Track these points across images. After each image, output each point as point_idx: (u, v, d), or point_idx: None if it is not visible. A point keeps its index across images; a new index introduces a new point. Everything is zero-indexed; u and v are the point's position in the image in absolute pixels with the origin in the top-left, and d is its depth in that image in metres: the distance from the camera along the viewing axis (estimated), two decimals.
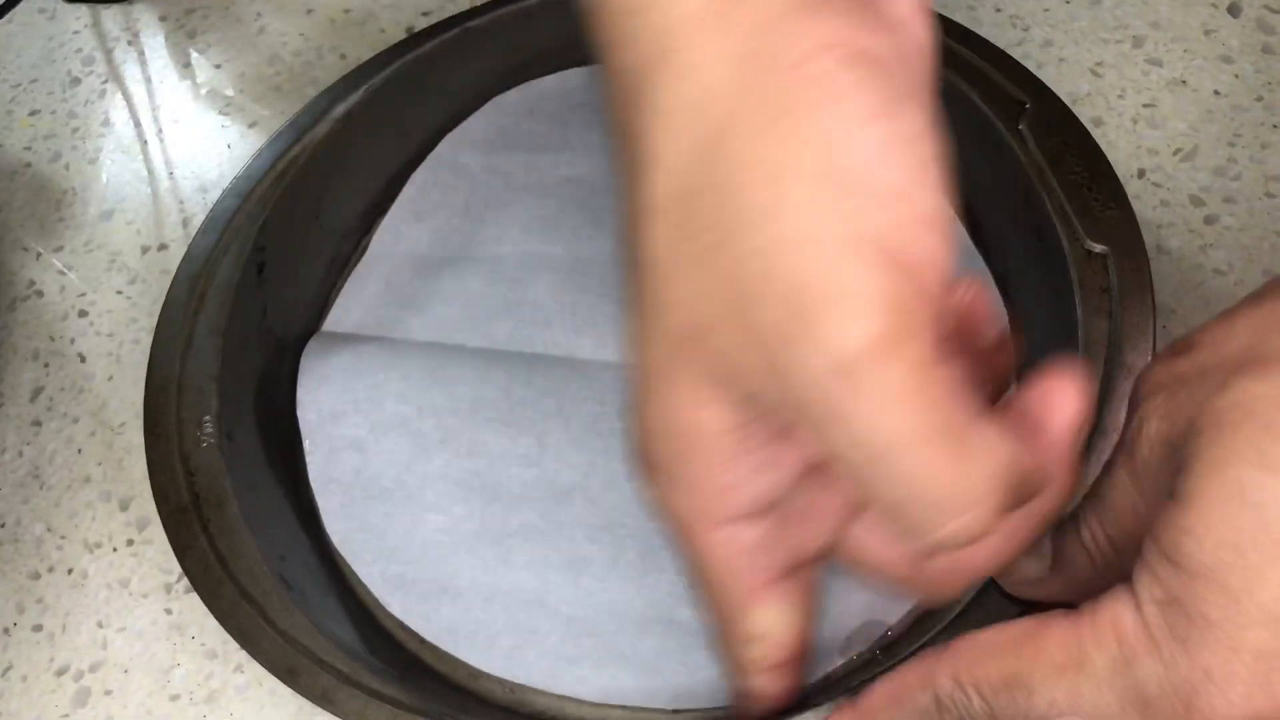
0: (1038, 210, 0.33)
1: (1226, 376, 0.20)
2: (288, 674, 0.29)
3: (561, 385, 0.35)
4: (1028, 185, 0.33)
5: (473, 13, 0.39)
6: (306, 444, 0.36)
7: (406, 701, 0.29)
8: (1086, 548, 0.24)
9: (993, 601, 0.27)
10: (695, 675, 0.30)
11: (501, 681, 0.32)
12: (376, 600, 0.33)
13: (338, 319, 0.38)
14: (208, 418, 0.33)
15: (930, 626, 0.29)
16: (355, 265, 0.40)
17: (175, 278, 0.36)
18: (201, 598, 0.31)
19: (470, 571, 0.33)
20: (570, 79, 0.41)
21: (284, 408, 0.37)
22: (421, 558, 0.33)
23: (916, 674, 0.23)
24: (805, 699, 0.27)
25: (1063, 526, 0.25)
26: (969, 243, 0.36)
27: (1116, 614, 0.21)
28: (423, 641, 0.33)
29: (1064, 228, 0.32)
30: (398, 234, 0.40)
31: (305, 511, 0.35)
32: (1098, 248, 0.31)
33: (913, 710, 0.23)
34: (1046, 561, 0.25)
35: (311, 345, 0.37)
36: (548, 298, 0.37)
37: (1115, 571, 0.23)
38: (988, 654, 0.22)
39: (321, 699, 0.29)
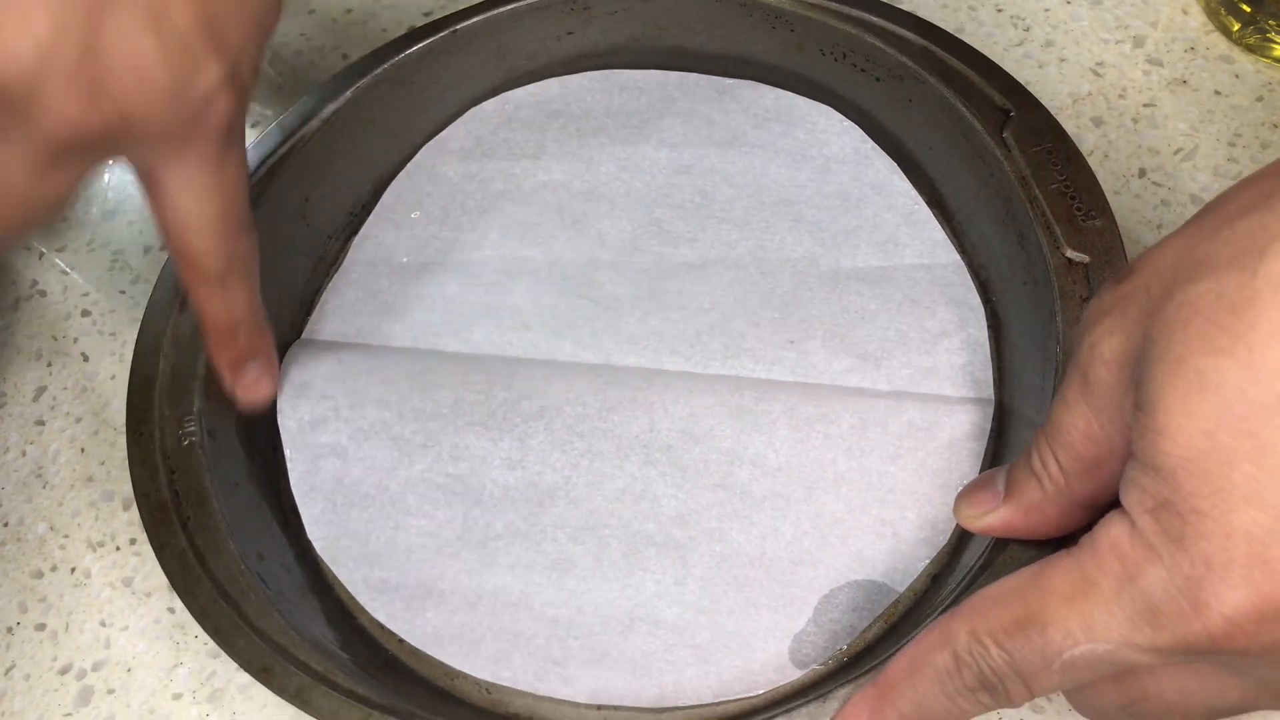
0: (1020, 218, 0.33)
1: (1168, 286, 0.21)
2: (263, 672, 0.29)
3: (542, 387, 0.35)
4: (1010, 193, 0.33)
5: (461, 14, 0.39)
6: (288, 452, 0.35)
7: (381, 702, 0.28)
8: (1037, 474, 0.24)
9: None
10: (681, 673, 0.30)
11: (478, 682, 0.32)
12: (355, 600, 0.33)
13: (317, 327, 0.38)
14: (190, 416, 0.33)
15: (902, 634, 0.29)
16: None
17: (160, 276, 0.36)
18: (179, 595, 0.30)
19: (454, 575, 0.33)
20: (548, 89, 0.41)
21: (266, 407, 0.36)
22: (405, 563, 0.33)
23: (932, 636, 0.23)
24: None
25: (1017, 459, 0.25)
26: (953, 249, 0.36)
27: (1113, 535, 0.21)
28: (401, 642, 0.33)
29: (1045, 236, 0.32)
30: (376, 242, 0.40)
31: (284, 511, 0.35)
32: (1078, 256, 0.31)
33: (933, 674, 0.23)
34: (998, 491, 0.26)
35: (291, 353, 0.37)
36: (526, 301, 0.37)
37: (1064, 498, 0.24)
38: (997, 602, 0.22)
39: (296, 698, 0.28)
